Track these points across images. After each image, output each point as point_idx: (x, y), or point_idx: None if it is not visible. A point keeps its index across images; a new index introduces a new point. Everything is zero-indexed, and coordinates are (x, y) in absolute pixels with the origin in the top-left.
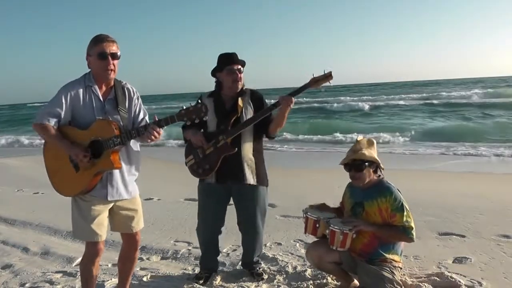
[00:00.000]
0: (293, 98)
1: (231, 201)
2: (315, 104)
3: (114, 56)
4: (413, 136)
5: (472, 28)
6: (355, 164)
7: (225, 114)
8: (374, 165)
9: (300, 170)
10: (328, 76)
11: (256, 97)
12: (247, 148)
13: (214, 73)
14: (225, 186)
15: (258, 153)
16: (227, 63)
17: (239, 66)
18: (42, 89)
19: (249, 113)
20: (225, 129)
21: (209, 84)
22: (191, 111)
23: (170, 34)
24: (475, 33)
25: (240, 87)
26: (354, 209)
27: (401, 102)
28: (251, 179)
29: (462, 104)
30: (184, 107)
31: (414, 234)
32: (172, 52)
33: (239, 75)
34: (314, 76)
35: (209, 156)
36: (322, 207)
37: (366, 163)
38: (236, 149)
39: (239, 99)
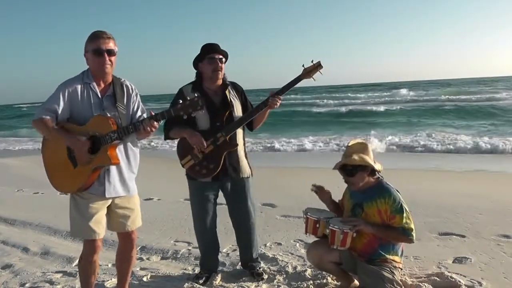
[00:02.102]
0: (280, 99)
1: (222, 200)
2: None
3: (111, 52)
4: None
5: (472, 28)
6: (346, 169)
7: (216, 110)
8: (368, 168)
9: (300, 170)
10: (318, 66)
11: (239, 90)
12: (241, 143)
13: (196, 63)
14: (219, 182)
15: (245, 147)
16: (208, 52)
17: (220, 56)
18: (34, 90)
19: (237, 107)
20: (221, 126)
21: None
22: (188, 105)
23: (170, 34)
24: (475, 34)
25: (220, 77)
26: (354, 210)
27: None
28: (247, 172)
29: None
30: (181, 101)
31: (414, 235)
32: (172, 52)
33: (219, 64)
34: (305, 67)
35: (210, 155)
36: (323, 195)
37: (358, 168)
38: (238, 145)
39: (226, 92)
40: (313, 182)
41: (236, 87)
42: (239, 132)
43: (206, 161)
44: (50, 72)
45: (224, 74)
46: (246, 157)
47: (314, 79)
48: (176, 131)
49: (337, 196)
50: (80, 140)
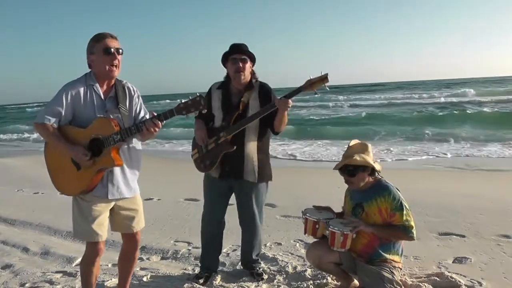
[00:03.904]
0: (290, 101)
1: (233, 200)
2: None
3: (119, 51)
4: None
5: (475, 29)
6: (347, 169)
7: (230, 110)
8: (368, 169)
9: (300, 170)
10: (324, 79)
11: (264, 91)
12: (251, 147)
13: (223, 63)
14: (227, 181)
15: (262, 151)
16: (232, 53)
17: (243, 56)
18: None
19: (254, 110)
20: (226, 126)
21: (210, 83)
22: (190, 105)
23: (170, 34)
24: (477, 35)
25: (242, 78)
26: (354, 210)
27: None
28: (252, 176)
29: None
30: (183, 101)
31: (414, 232)
32: (172, 53)
33: (241, 65)
34: (311, 78)
35: (211, 151)
36: (325, 209)
37: (359, 168)
38: (235, 147)
39: (245, 94)
40: (313, 183)
41: (263, 88)
42: (251, 135)
43: (206, 156)
44: (45, 72)
45: (254, 74)
46: (259, 161)
47: (316, 93)
48: (195, 122)
49: (337, 196)
50: (80, 154)
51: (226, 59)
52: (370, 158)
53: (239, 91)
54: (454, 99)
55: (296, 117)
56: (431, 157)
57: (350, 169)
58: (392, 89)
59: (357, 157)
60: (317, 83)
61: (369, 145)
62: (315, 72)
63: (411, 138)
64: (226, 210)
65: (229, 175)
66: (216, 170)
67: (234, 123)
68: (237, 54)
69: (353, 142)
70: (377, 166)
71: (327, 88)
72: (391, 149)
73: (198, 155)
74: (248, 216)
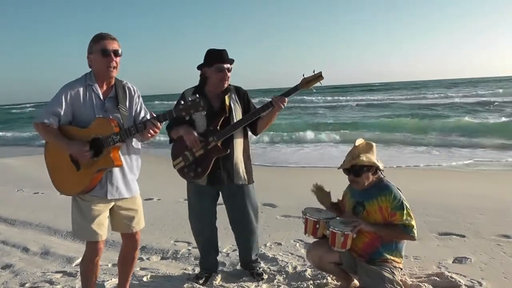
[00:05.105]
0: (286, 99)
1: (221, 201)
2: None
3: (116, 53)
4: None
5: (475, 29)
6: (354, 169)
7: (214, 114)
8: (373, 168)
9: (300, 170)
10: (318, 77)
11: (241, 94)
12: (239, 149)
13: (201, 67)
14: (214, 187)
15: (247, 153)
16: (217, 60)
17: (229, 65)
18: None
19: (237, 112)
20: (214, 131)
21: None
22: (190, 106)
23: (170, 34)
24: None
25: (226, 85)
26: (355, 208)
27: None
28: (242, 179)
29: None
30: (182, 102)
31: (415, 232)
32: (172, 53)
33: (227, 74)
34: (305, 76)
35: (199, 158)
36: (322, 196)
37: (365, 168)
38: (229, 150)
39: (226, 97)
40: (314, 182)
41: (239, 91)
42: (238, 137)
43: (195, 164)
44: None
45: None
46: (245, 163)
47: (313, 90)
48: (175, 130)
49: (337, 196)
50: (81, 149)
51: (209, 65)
52: (374, 157)
53: (216, 95)
54: (466, 100)
55: (307, 119)
56: (434, 158)
57: (356, 169)
58: (395, 89)
59: (363, 157)
60: (313, 81)
61: (374, 145)
62: (309, 71)
63: (417, 141)
64: (216, 213)
65: (220, 181)
66: (204, 177)
67: (221, 128)
68: (223, 63)
69: (359, 142)
70: (380, 165)
71: (321, 84)
72: (396, 150)
73: (184, 164)
74: (242, 218)
